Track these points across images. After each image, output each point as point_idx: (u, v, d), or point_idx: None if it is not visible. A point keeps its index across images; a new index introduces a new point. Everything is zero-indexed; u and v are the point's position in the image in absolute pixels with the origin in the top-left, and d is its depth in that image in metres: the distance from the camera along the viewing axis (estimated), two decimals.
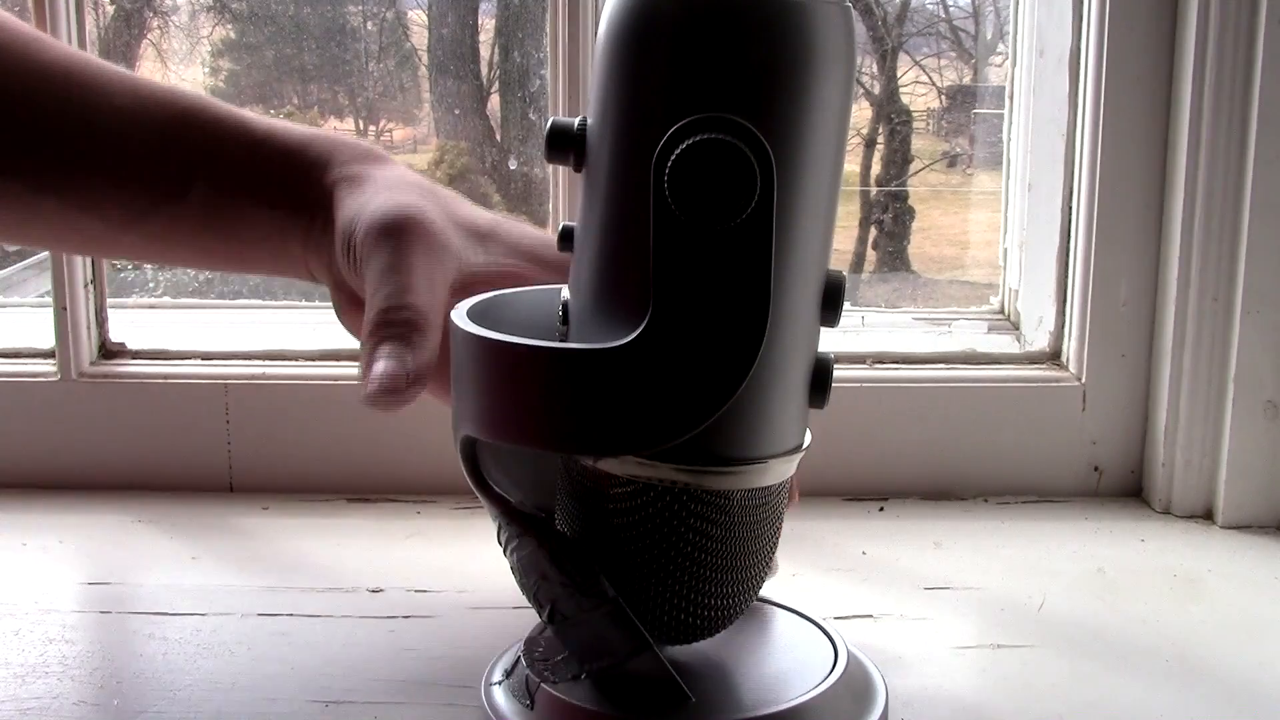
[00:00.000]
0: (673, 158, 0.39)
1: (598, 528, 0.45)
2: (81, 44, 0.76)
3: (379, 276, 0.47)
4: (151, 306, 0.89)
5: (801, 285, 0.42)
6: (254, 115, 0.55)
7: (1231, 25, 0.68)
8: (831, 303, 0.44)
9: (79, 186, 0.52)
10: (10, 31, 0.52)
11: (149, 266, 0.92)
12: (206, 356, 0.80)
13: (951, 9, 1.06)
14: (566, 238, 0.45)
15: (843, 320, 0.45)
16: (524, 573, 0.48)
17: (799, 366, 0.44)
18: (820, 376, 0.44)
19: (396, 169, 0.54)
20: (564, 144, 0.43)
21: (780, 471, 0.45)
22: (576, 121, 0.43)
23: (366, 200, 0.50)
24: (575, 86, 0.75)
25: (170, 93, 0.54)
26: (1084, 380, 0.76)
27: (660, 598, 0.45)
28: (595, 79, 0.42)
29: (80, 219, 0.52)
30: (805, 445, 0.46)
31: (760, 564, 0.47)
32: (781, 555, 0.68)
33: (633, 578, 0.45)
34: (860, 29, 1.01)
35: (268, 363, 0.79)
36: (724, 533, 0.44)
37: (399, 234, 0.48)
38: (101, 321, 0.80)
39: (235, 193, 0.53)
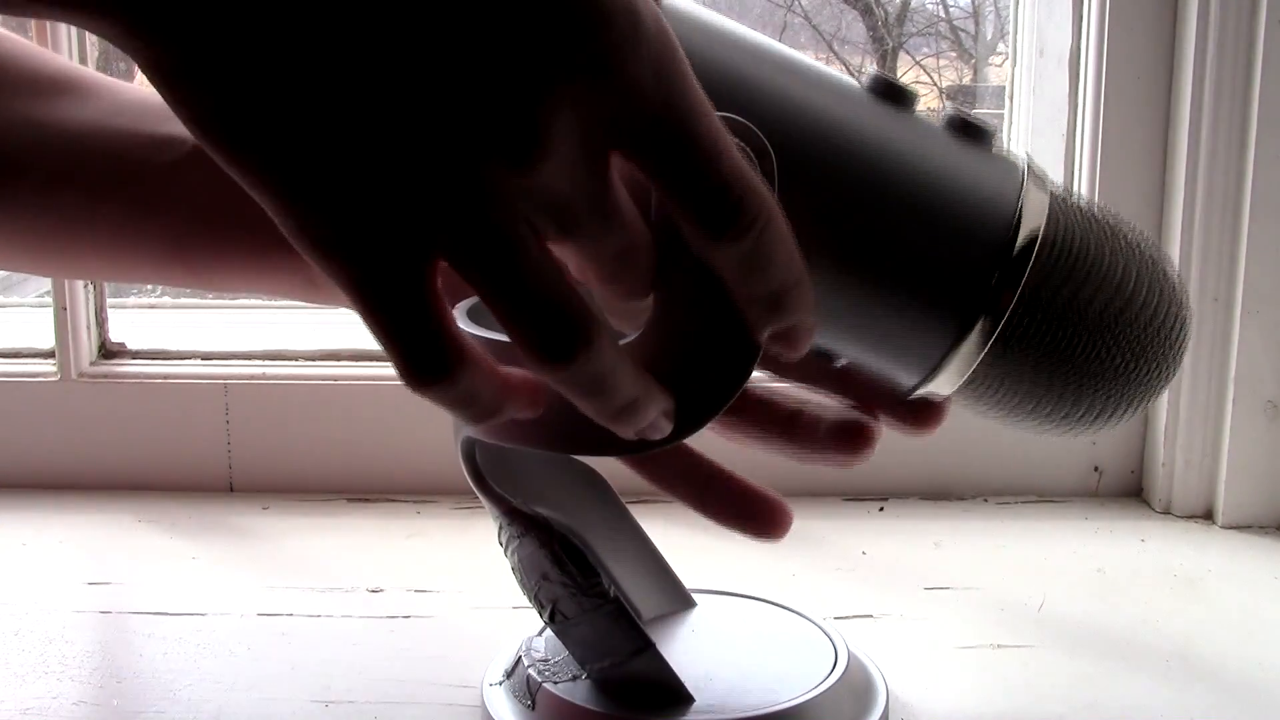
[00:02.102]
0: None
1: (1026, 384, 0.43)
2: (82, 45, 0.76)
3: None
4: (151, 306, 0.89)
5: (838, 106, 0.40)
6: None
7: (1231, 25, 0.68)
8: (885, 92, 0.40)
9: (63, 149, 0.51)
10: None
11: None
12: (206, 356, 0.80)
13: (951, 9, 1.06)
14: None
15: None
16: (525, 573, 0.48)
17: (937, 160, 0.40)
18: (958, 125, 0.40)
19: None
20: None
21: (1035, 210, 0.40)
22: None
23: None
24: None
25: None
26: None
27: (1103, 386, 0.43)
28: None
29: (58, 189, 0.52)
30: (1026, 167, 0.41)
31: (1145, 284, 0.42)
32: (782, 555, 0.68)
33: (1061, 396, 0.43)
34: (860, 29, 1.01)
35: (268, 363, 0.79)
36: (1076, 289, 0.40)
37: None
38: (101, 321, 0.80)
39: None
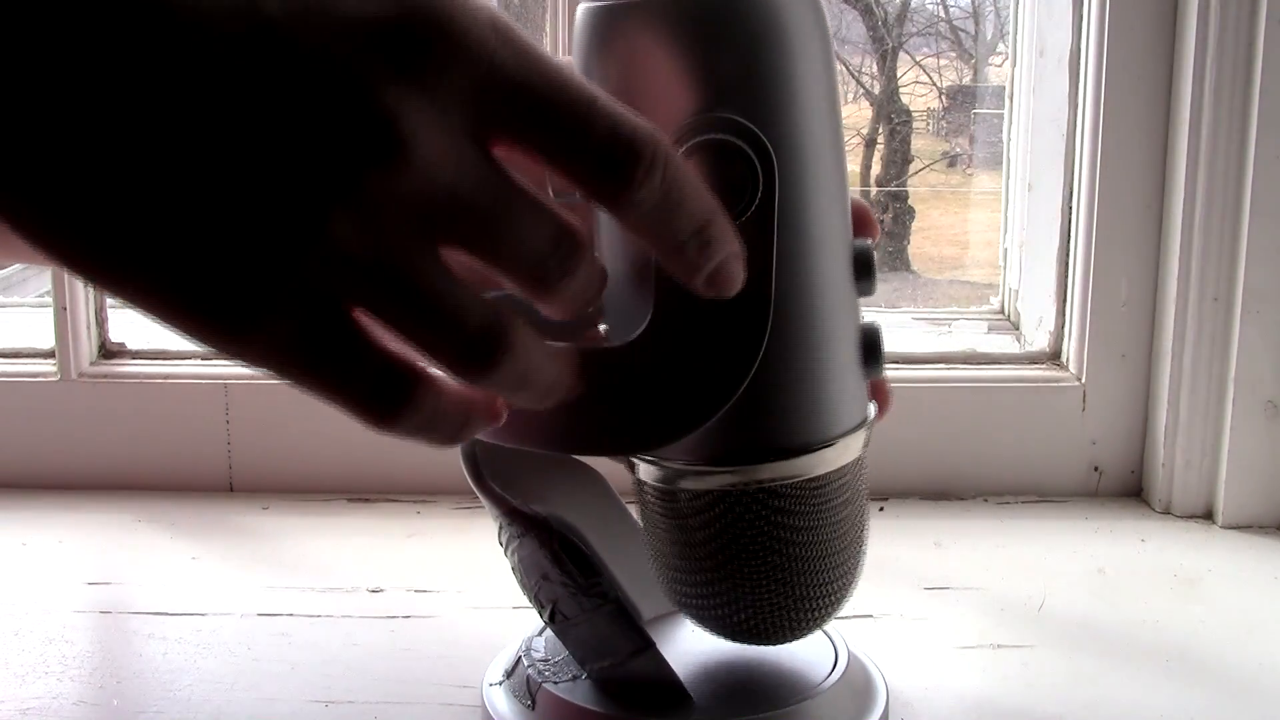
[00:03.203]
0: None
1: (685, 545, 0.45)
2: None
3: None
4: None
5: (828, 261, 0.42)
6: None
7: (1231, 25, 0.68)
8: (864, 271, 0.43)
9: None
10: None
11: None
12: (206, 356, 0.80)
13: (951, 9, 1.06)
14: None
15: None
16: (525, 573, 0.48)
17: (846, 341, 0.43)
18: (870, 345, 0.44)
19: None
20: None
21: (852, 449, 0.44)
22: None
23: None
24: None
25: None
26: (1084, 380, 0.76)
27: (760, 599, 0.44)
28: None
29: None
30: (870, 419, 0.45)
31: (854, 547, 0.46)
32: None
33: (730, 584, 0.44)
34: (860, 29, 1.01)
35: None
36: (810, 523, 0.43)
37: None
38: (101, 321, 0.80)
39: None
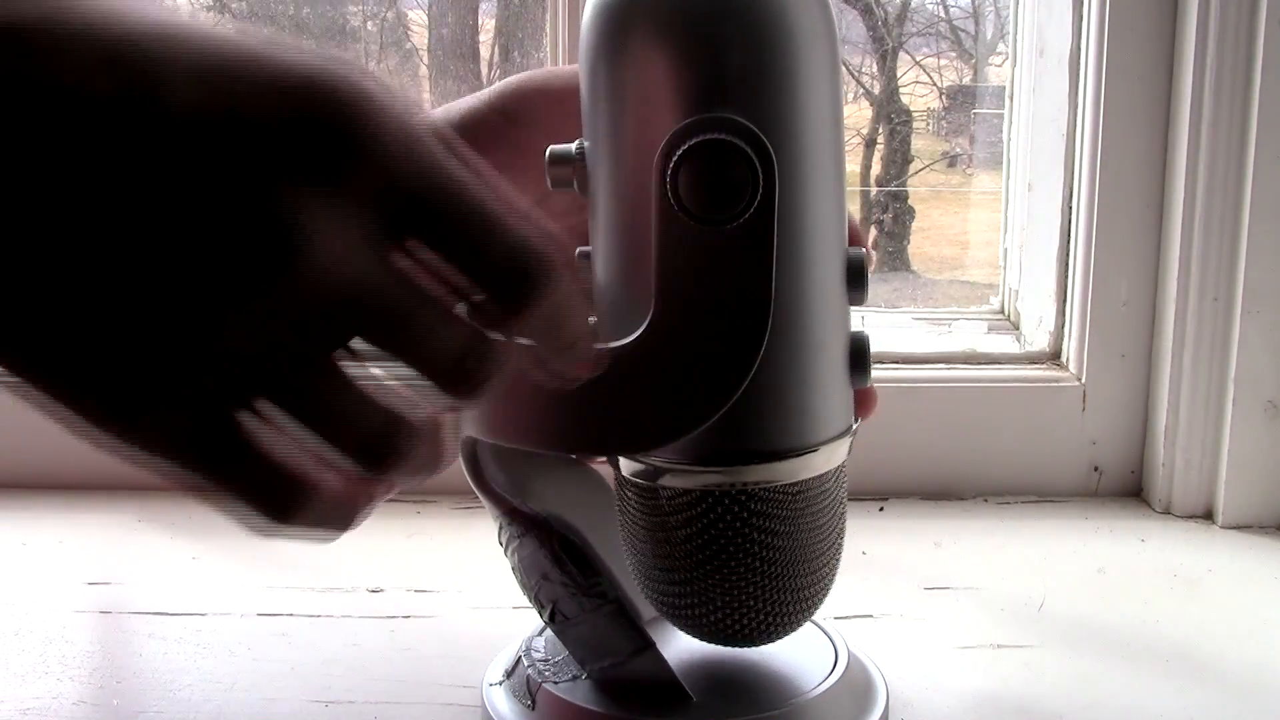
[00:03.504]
0: (673, 161, 0.39)
1: (665, 543, 0.45)
2: None
3: None
4: None
5: (823, 268, 0.42)
6: None
7: (1231, 25, 0.68)
8: (856, 280, 0.44)
9: None
10: None
11: None
12: None
13: (951, 9, 1.06)
14: (585, 259, 0.45)
15: None
16: (525, 573, 0.48)
17: (836, 347, 0.44)
18: (858, 354, 0.44)
19: None
20: (564, 166, 0.43)
21: (836, 456, 0.44)
22: (574, 146, 0.43)
23: None
24: None
25: None
26: (1084, 380, 0.76)
27: (736, 601, 0.44)
28: (584, 97, 0.42)
29: None
30: (854, 427, 0.46)
31: (831, 553, 0.46)
32: None
33: (708, 584, 0.44)
34: (860, 29, 1.01)
35: None
36: (790, 527, 0.44)
37: None
38: None
39: None
